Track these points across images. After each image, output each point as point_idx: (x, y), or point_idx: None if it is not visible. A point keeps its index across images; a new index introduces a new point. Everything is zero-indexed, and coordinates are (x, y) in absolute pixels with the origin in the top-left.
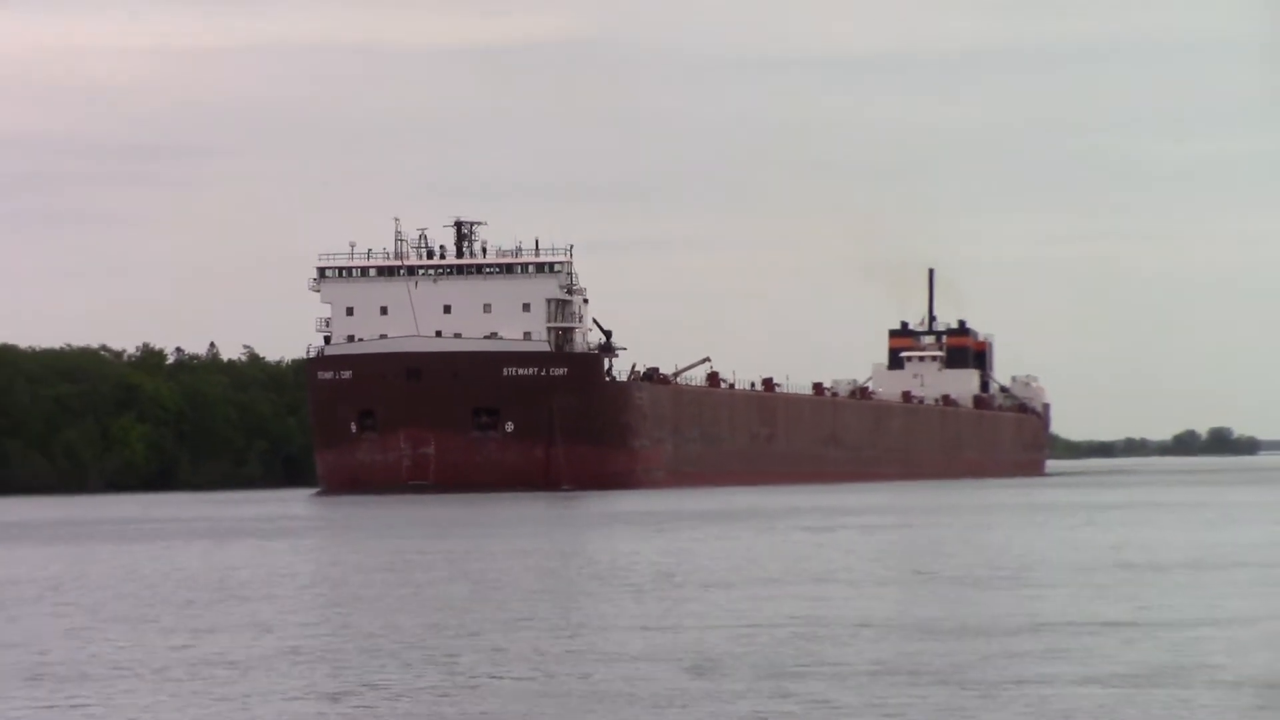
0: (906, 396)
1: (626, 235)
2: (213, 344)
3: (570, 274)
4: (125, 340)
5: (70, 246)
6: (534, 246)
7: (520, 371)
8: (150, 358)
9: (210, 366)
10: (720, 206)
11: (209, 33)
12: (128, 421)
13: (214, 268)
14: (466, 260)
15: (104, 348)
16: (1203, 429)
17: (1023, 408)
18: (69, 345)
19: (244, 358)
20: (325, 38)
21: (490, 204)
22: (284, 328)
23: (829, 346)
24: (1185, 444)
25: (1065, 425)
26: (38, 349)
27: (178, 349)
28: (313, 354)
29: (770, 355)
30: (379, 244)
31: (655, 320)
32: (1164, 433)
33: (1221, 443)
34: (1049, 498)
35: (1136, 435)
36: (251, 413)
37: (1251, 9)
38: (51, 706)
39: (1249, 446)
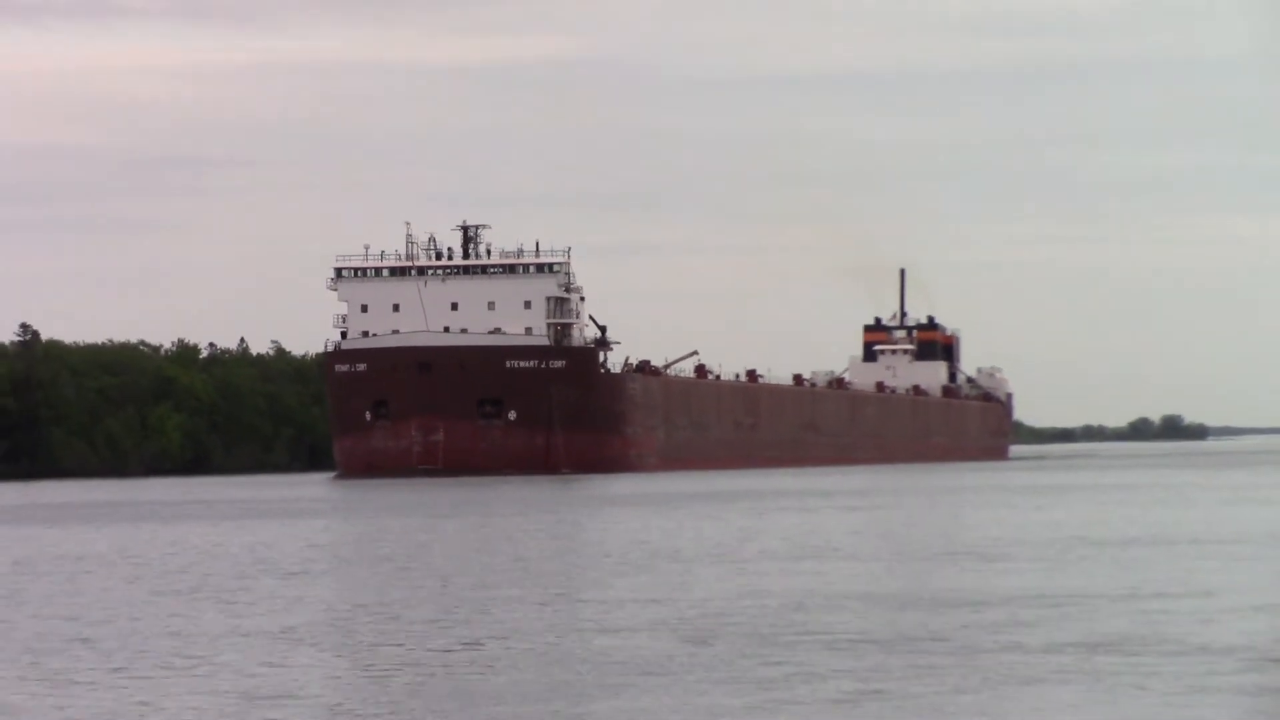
0: (880, 387)
1: (622, 240)
2: (243, 339)
3: (568, 274)
4: (162, 336)
5: (111, 250)
6: (534, 248)
7: (522, 364)
8: (185, 352)
9: (241, 360)
10: (709, 213)
11: (233, 51)
12: (165, 411)
13: (243, 269)
14: (472, 261)
15: (142, 343)
16: (1156, 416)
17: (987, 397)
18: (110, 341)
19: (272, 352)
20: (341, 57)
21: (494, 211)
22: (308, 324)
23: (808, 341)
24: (1140, 430)
25: (1029, 413)
26: (81, 344)
27: (210, 344)
28: (330, 348)
29: (754, 350)
30: (391, 247)
31: (649, 318)
32: (1120, 420)
33: (1173, 429)
34: (1015, 480)
35: (1095, 422)
36: (279, 403)
37: (1212, 30)
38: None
39: (1198, 432)
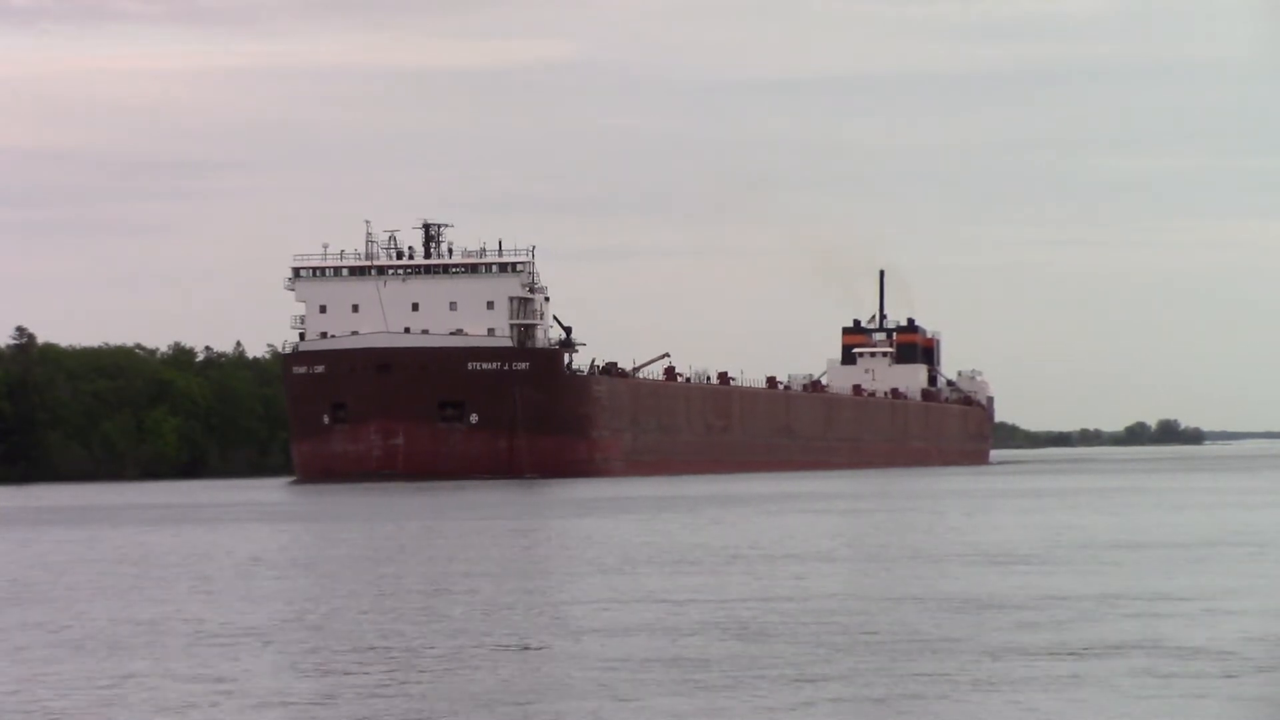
0: (857, 390)
1: (601, 243)
2: (239, 342)
3: (532, 273)
4: (158, 339)
5: (107, 253)
6: (498, 247)
7: (484, 366)
8: (181, 355)
9: (236, 363)
10: (688, 216)
11: (229, 55)
12: (161, 414)
13: (240, 272)
14: (434, 260)
15: (139, 346)
16: (1152, 420)
17: (968, 400)
18: (106, 344)
19: (268, 355)
20: (337, 61)
21: (478, 215)
22: None
23: (788, 345)
24: (1136, 435)
25: (1025, 417)
26: (77, 348)
27: (207, 347)
28: (288, 350)
29: (733, 353)
30: (351, 246)
31: (625, 322)
32: (1116, 424)
33: (1170, 433)
34: (996, 485)
35: (1091, 426)
36: (275, 406)
37: (1206, 34)
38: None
39: (1195, 437)
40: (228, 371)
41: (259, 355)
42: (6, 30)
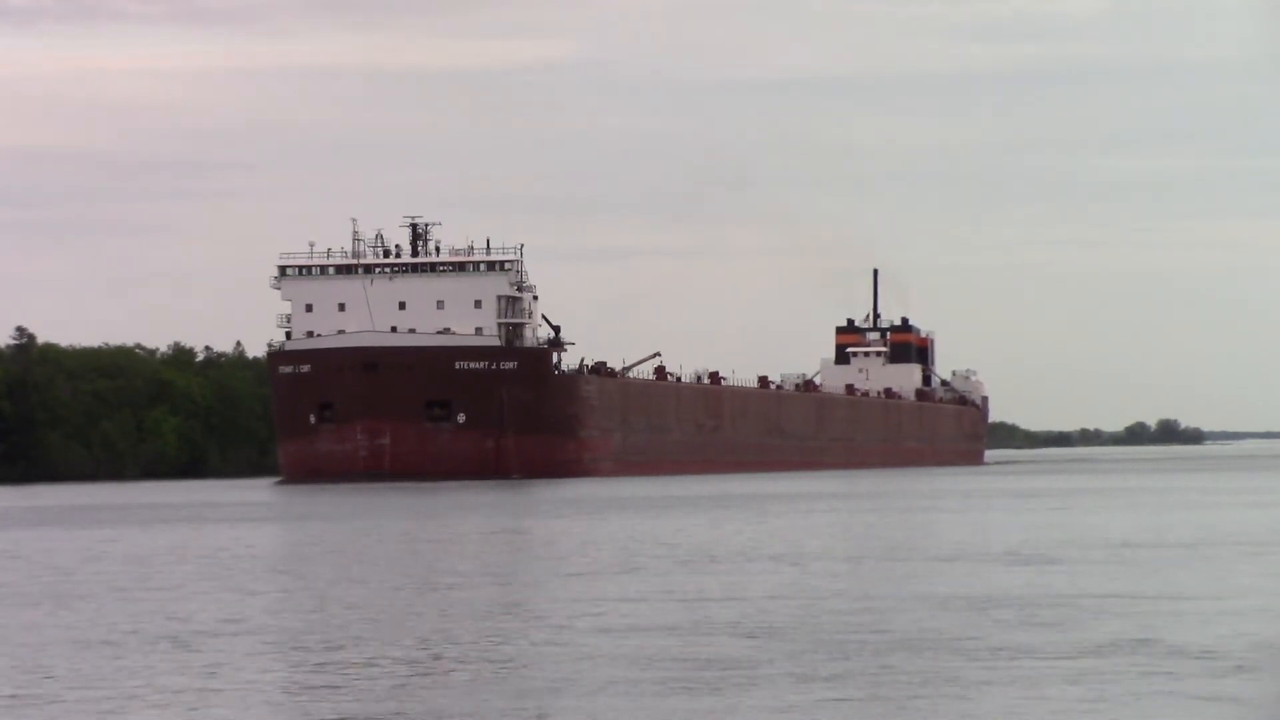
0: (850, 389)
1: (595, 243)
2: (239, 342)
3: (520, 272)
4: (158, 339)
5: (107, 253)
6: (485, 246)
7: (472, 365)
8: (181, 355)
9: (236, 363)
10: (684, 218)
11: (228, 55)
12: (161, 414)
13: (239, 272)
14: (421, 259)
15: (139, 346)
16: (1152, 421)
17: (962, 400)
18: (106, 344)
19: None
20: (338, 61)
21: (461, 214)
22: None
23: (783, 344)
24: (1136, 435)
25: (1025, 417)
26: (77, 347)
27: (206, 347)
28: (274, 349)
29: (726, 353)
30: (340, 245)
31: (618, 322)
32: (1116, 424)
33: (1170, 433)
34: (991, 485)
35: (1091, 426)
36: None
37: (1204, 33)
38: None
39: (1195, 437)
40: (227, 371)
41: (259, 355)
42: (6, 30)
